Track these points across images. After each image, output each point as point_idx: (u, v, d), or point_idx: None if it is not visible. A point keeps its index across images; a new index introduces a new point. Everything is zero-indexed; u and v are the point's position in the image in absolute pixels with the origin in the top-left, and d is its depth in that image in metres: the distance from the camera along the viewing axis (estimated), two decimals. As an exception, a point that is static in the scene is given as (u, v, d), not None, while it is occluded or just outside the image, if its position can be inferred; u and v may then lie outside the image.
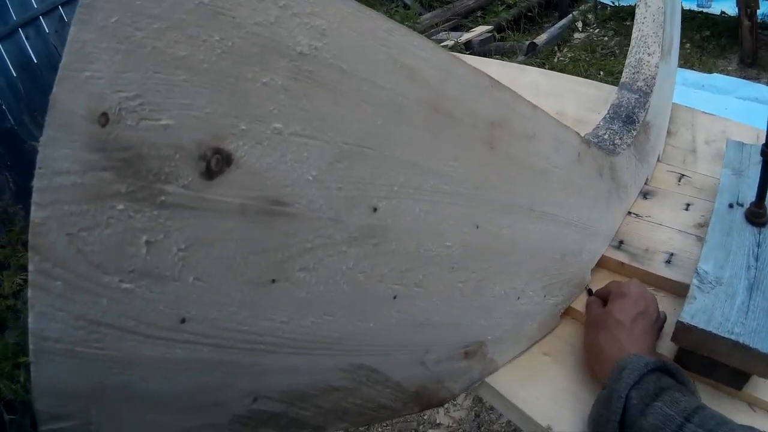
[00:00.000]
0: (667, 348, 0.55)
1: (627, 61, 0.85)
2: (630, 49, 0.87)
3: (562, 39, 3.55)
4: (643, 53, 0.84)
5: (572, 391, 0.53)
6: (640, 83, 0.81)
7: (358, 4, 0.29)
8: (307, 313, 0.32)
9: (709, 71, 2.79)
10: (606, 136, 0.71)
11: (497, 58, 3.20)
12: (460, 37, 3.28)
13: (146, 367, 0.26)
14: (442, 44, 3.15)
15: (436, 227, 0.37)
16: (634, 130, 0.73)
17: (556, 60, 3.24)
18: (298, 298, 0.31)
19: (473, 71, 0.38)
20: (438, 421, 1.47)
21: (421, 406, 0.45)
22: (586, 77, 2.91)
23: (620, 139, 0.71)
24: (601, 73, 2.93)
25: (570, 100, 1.04)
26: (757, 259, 0.63)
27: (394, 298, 0.36)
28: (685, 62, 2.95)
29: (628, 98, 0.79)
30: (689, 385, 0.49)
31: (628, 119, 0.75)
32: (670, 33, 0.92)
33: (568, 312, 0.62)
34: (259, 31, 0.25)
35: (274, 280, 0.29)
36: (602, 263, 0.67)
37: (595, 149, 0.59)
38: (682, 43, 3.10)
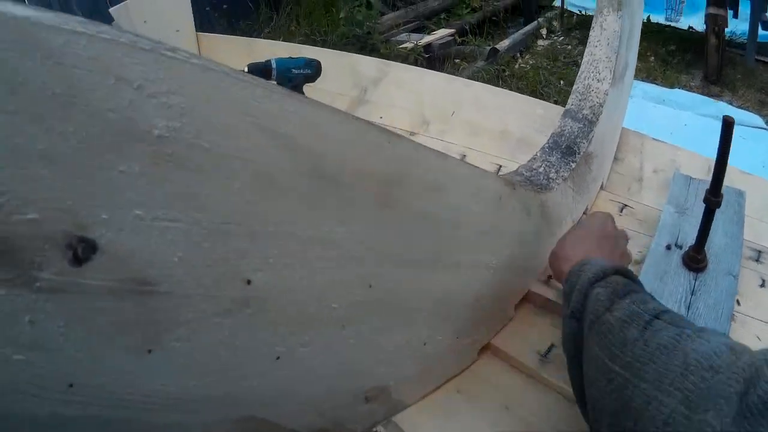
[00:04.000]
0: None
1: (574, 87, 0.88)
2: (579, 74, 0.89)
3: (525, 45, 3.68)
4: (593, 79, 0.87)
5: None
6: (586, 111, 0.84)
7: (227, 71, 0.31)
8: (188, 377, 0.36)
9: (672, 86, 2.93)
10: (541, 170, 0.75)
11: (456, 62, 3.25)
12: (421, 39, 3.38)
13: (48, 423, 0.31)
14: (402, 46, 3.20)
15: (321, 292, 0.41)
16: (573, 162, 0.77)
17: (516, 67, 3.33)
18: (176, 364, 0.35)
19: (365, 129, 0.41)
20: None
21: (320, 446, 0.49)
22: (545, 86, 2.94)
23: (556, 172, 0.75)
24: (562, 82, 3.02)
25: (515, 118, 1.08)
26: (689, 308, 0.66)
27: (277, 359, 0.40)
28: (648, 75, 3.07)
29: (570, 127, 0.83)
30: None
31: (568, 150, 0.79)
32: (625, 57, 0.94)
33: (487, 347, 0.66)
34: (113, 118, 0.28)
35: (150, 350, 0.34)
36: (528, 297, 0.72)
37: (521, 190, 0.63)
38: (646, 56, 3.21)
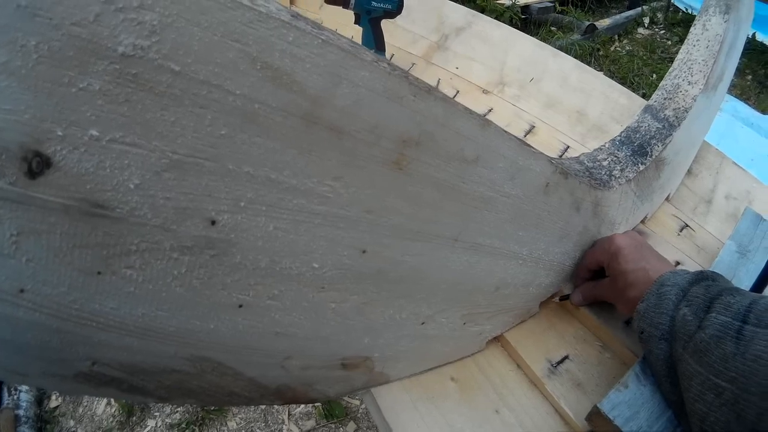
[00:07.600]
0: (580, 421, 0.53)
1: (662, 83, 0.76)
2: (670, 70, 0.77)
3: (625, 30, 3.42)
4: (683, 80, 0.75)
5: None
6: (669, 112, 0.72)
7: None
8: (137, 305, 0.33)
9: (764, 111, 2.58)
10: (605, 163, 0.65)
11: (552, 30, 3.01)
12: None
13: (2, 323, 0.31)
14: (500, 1, 2.94)
15: (300, 247, 0.36)
16: (642, 164, 0.66)
17: (612, 48, 3.12)
18: (126, 291, 0.33)
19: (386, 76, 0.35)
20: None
21: (284, 401, 0.46)
22: (637, 75, 2.72)
23: (620, 170, 0.64)
24: (654, 75, 2.80)
25: (596, 101, 0.95)
26: None
27: (240, 306, 0.36)
28: (742, 93, 2.78)
29: (648, 125, 0.71)
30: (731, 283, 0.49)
31: (640, 149, 0.68)
32: (722, 66, 0.80)
33: (498, 338, 0.60)
34: (77, 32, 0.26)
35: (99, 272, 0.31)
36: (559, 296, 0.64)
37: (574, 182, 0.55)
38: (743, 74, 2.86)
